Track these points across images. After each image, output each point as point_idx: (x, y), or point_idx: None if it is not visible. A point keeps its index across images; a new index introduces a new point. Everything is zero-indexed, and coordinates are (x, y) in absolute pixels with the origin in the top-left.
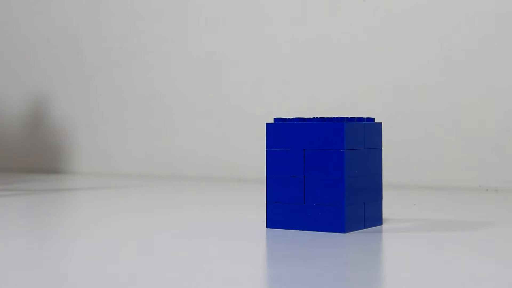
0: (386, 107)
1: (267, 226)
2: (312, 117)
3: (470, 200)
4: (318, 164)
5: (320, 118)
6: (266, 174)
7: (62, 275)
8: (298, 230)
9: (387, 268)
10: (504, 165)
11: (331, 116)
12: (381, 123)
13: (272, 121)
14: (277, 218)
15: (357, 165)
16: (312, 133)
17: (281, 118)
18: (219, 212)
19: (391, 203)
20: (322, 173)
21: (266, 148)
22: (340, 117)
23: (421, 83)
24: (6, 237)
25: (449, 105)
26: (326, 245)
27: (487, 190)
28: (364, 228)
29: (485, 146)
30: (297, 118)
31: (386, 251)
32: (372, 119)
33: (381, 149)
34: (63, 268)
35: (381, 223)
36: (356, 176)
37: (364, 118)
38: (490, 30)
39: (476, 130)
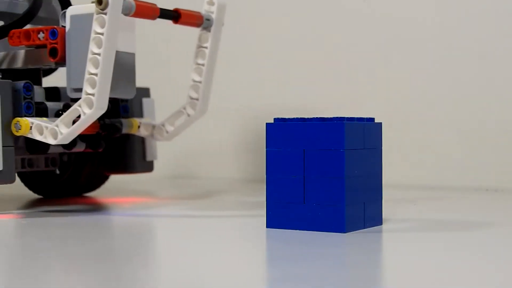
0: (386, 107)
1: (267, 226)
2: (312, 117)
3: (470, 200)
4: (318, 164)
5: (320, 118)
6: (266, 174)
7: None
8: (298, 230)
9: (387, 268)
10: (504, 165)
11: (331, 116)
12: (381, 123)
13: (272, 121)
14: (277, 218)
15: (357, 165)
16: (312, 133)
17: (281, 118)
18: (219, 212)
19: (391, 203)
20: (322, 173)
21: (266, 148)
22: (340, 117)
23: (421, 83)
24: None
25: (449, 105)
26: (326, 245)
27: (487, 190)
28: (364, 228)
29: (485, 146)
30: (297, 118)
31: (386, 251)
32: (372, 119)
33: (381, 149)
34: None
35: (381, 223)
36: (356, 176)
37: (364, 118)
38: (490, 29)
39: (476, 130)
